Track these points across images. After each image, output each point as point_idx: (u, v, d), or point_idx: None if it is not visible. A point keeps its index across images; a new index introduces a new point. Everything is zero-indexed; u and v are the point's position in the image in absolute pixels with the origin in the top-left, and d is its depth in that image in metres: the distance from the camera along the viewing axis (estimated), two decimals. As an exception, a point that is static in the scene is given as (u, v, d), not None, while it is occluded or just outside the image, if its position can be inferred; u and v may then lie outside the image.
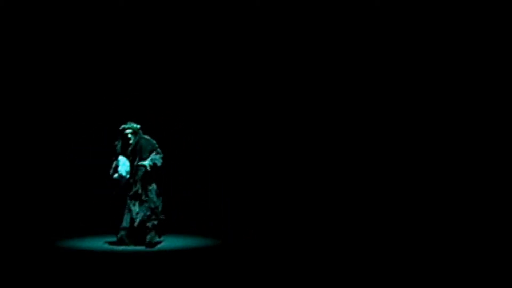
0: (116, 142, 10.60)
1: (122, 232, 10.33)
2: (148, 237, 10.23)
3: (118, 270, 8.72)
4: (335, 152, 12.66)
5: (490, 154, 11.97)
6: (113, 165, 10.44)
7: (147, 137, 10.59)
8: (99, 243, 10.47)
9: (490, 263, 9.26)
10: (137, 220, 10.25)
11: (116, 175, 10.38)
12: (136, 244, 10.26)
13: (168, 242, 10.48)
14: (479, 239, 10.77)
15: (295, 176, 12.66)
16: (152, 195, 10.38)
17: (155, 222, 10.32)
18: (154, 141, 10.57)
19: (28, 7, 12.33)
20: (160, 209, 10.44)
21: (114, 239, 10.46)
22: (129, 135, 10.48)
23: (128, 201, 10.40)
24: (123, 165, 10.38)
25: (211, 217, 12.36)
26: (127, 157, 10.49)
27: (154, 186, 10.46)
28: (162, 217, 10.42)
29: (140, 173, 10.40)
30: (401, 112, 12.48)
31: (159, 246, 10.26)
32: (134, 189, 10.39)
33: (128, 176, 10.39)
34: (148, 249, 10.06)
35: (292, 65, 12.78)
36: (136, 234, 10.30)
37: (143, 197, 10.34)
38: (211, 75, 12.91)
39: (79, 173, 12.47)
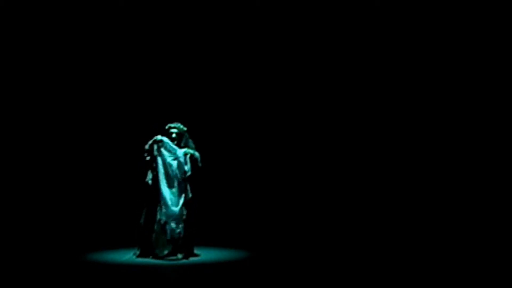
0: (147, 147, 10.20)
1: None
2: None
3: (151, 285, 8.42)
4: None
5: (490, 154, 12.02)
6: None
7: (191, 141, 10.37)
8: (128, 256, 10.09)
9: (490, 263, 9.29)
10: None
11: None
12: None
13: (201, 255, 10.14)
14: (479, 239, 10.83)
15: (317, 184, 12.66)
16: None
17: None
18: (193, 146, 10.35)
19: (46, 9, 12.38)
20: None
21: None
22: (174, 135, 10.22)
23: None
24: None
25: (236, 228, 12.14)
26: None
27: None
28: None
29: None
30: (401, 112, 12.50)
31: (196, 259, 9.95)
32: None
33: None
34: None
35: (292, 66, 12.78)
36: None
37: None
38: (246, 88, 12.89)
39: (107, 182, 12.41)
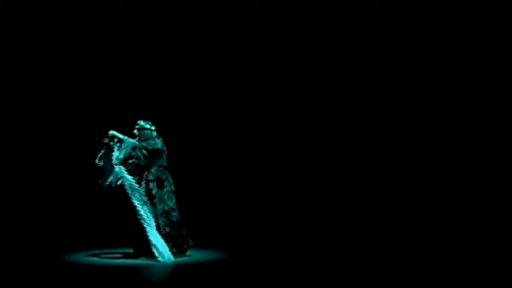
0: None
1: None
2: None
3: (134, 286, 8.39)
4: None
5: (490, 154, 11.98)
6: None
7: (158, 140, 9.99)
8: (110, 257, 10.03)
9: (490, 263, 9.27)
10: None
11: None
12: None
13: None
14: (479, 239, 10.80)
15: (302, 181, 12.64)
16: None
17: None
18: (153, 142, 9.88)
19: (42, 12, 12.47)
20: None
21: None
22: (135, 131, 10.01)
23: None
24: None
25: (220, 229, 12.09)
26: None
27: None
28: None
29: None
30: (401, 112, 12.48)
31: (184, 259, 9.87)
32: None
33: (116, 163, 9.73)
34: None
35: (292, 66, 12.79)
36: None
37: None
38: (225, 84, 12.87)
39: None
